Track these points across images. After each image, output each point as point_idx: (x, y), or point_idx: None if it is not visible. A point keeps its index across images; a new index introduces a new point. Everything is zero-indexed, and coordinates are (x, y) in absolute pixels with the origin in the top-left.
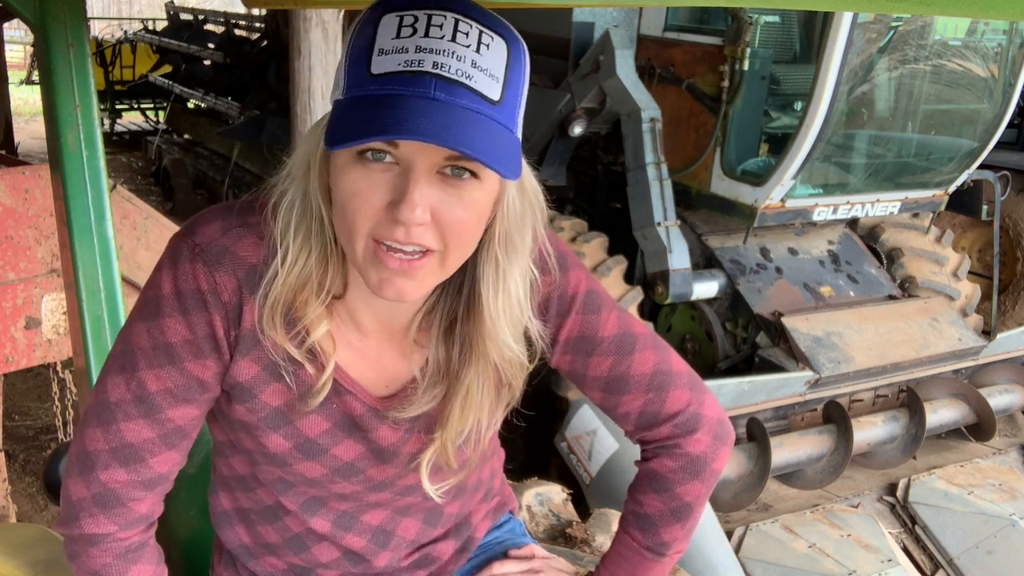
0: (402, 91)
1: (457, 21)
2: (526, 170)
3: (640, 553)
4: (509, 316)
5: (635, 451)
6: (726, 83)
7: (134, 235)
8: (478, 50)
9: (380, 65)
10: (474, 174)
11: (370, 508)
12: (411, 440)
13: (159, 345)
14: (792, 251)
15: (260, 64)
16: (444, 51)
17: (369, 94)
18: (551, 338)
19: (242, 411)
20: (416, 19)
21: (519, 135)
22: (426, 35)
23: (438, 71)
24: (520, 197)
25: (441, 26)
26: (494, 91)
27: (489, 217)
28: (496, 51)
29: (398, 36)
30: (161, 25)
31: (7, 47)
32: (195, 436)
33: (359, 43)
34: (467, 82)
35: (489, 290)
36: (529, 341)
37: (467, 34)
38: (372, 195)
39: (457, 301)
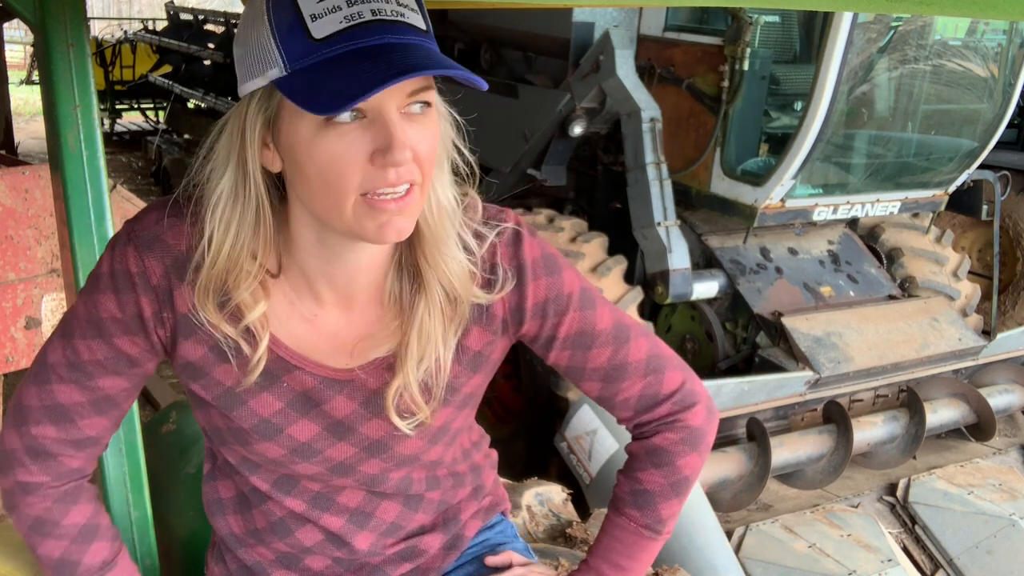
0: (360, 43)
1: None
2: None
3: (639, 533)
4: (444, 226)
5: None
6: (726, 83)
7: None
8: None
9: (320, 29)
10: (428, 104)
11: (344, 489)
12: (368, 410)
13: (92, 318)
14: (792, 251)
15: None
16: None
17: (326, 57)
18: (549, 337)
19: (199, 389)
20: None
21: None
22: None
23: (379, 16)
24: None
25: None
26: (420, 22)
27: None
28: None
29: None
30: (161, 25)
31: (7, 47)
32: (127, 407)
33: (282, 17)
34: (403, 19)
35: (424, 207)
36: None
37: None
38: (353, 152)
39: None
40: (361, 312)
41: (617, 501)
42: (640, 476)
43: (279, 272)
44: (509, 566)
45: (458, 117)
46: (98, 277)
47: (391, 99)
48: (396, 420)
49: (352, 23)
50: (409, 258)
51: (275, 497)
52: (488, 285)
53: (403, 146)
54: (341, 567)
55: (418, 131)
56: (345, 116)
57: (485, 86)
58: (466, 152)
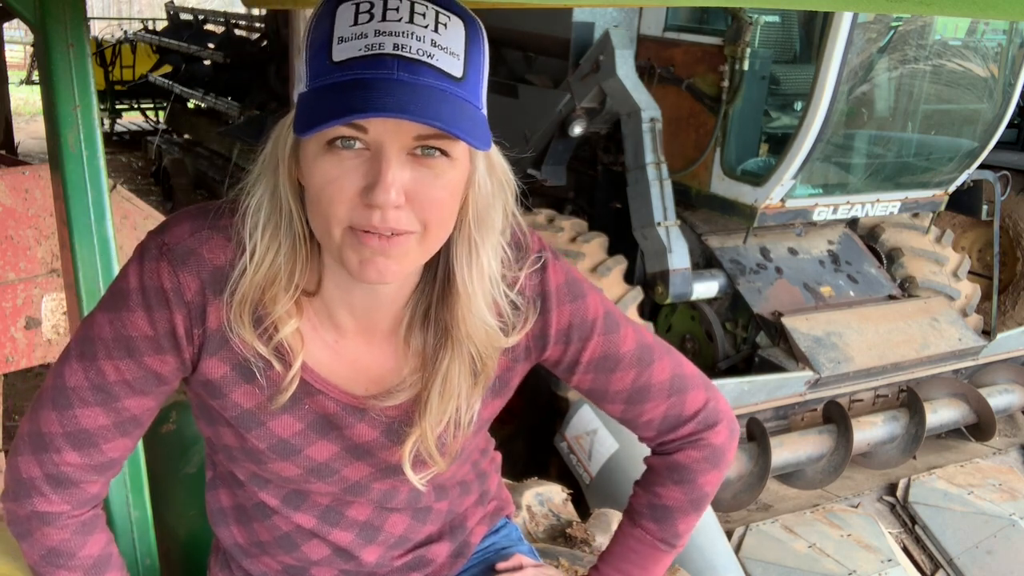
0: (365, 74)
1: (413, 3)
2: (494, 148)
3: (654, 546)
4: (483, 292)
5: (635, 451)
6: (726, 83)
7: (134, 235)
8: (436, 30)
9: (341, 52)
10: (444, 152)
11: (354, 503)
12: (388, 438)
13: (120, 337)
14: (792, 251)
15: (260, 64)
16: (403, 32)
17: (333, 81)
18: (573, 362)
19: (215, 407)
20: (372, 5)
21: (484, 111)
22: (383, 19)
23: (399, 52)
24: (489, 175)
25: (397, 9)
26: (456, 68)
27: (461, 197)
28: (454, 30)
29: (356, 23)
30: (161, 25)
31: (7, 47)
32: (148, 425)
33: (318, 35)
34: (429, 61)
35: (463, 268)
36: (503, 318)
37: (424, 15)
38: (345, 182)
39: (432, 285)
40: (381, 346)
41: (633, 512)
42: (659, 491)
43: (316, 291)
44: (520, 568)
45: (519, 183)
46: (125, 293)
47: (394, 137)
48: (410, 474)
49: (369, 52)
50: (440, 312)
51: (283, 512)
52: (511, 327)
53: (388, 188)
54: None
55: (425, 177)
56: (348, 144)
57: (486, 147)
58: (523, 222)
